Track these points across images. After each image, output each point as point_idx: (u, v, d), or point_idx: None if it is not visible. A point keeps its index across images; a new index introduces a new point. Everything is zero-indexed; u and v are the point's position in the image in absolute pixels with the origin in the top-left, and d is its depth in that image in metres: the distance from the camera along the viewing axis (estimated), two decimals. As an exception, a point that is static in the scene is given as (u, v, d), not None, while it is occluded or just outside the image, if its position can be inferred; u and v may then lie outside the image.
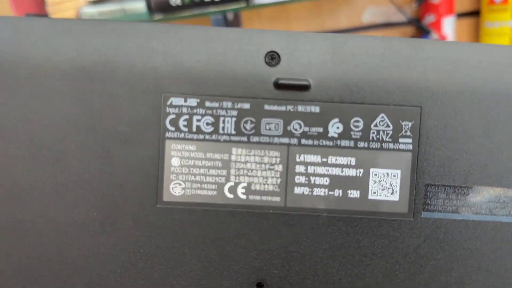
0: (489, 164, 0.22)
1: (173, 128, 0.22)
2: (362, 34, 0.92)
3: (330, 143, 0.22)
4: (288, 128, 0.22)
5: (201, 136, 0.22)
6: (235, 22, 0.85)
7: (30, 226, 0.22)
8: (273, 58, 0.22)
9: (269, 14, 0.88)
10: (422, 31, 0.88)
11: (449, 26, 0.85)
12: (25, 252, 0.22)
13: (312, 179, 0.22)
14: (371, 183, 0.22)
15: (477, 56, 0.22)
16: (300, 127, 0.22)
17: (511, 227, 0.22)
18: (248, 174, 0.22)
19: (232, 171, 0.22)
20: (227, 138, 0.22)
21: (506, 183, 0.22)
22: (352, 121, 0.22)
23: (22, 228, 0.22)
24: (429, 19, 0.84)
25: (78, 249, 0.22)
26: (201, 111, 0.22)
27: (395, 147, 0.22)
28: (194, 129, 0.22)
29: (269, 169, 0.22)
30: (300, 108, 0.22)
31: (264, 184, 0.22)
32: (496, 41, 0.94)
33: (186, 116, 0.22)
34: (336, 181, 0.22)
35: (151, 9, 0.73)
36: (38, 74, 0.21)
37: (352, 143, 0.22)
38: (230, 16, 0.85)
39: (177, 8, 0.75)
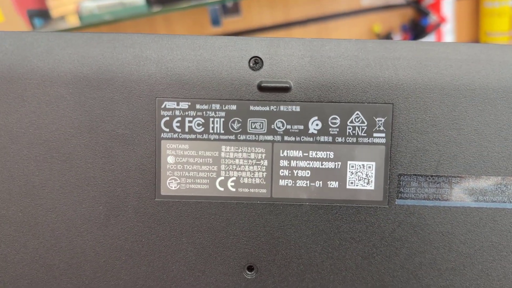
0: (458, 154, 0.24)
1: (167, 129, 0.24)
2: (362, 16, 0.92)
3: (311, 139, 0.24)
4: (272, 126, 0.24)
5: (193, 136, 0.24)
6: (234, 10, 0.87)
7: (43, 220, 0.24)
8: (256, 62, 0.24)
9: (268, 1, 0.89)
10: (421, 13, 0.88)
11: (448, 7, 0.85)
12: (39, 243, 0.24)
13: (295, 172, 0.24)
14: (348, 174, 0.24)
15: (445, 55, 0.24)
16: (283, 125, 0.24)
17: (479, 212, 0.24)
18: (236, 169, 0.24)
19: (222, 167, 0.24)
20: (216, 137, 0.24)
21: (474, 171, 0.24)
22: (330, 118, 0.24)
23: (36, 222, 0.24)
24: (428, 0, 0.84)
25: (86, 239, 0.24)
26: (192, 113, 0.24)
27: (370, 141, 0.24)
28: (186, 129, 0.24)
29: (256, 164, 0.24)
30: (282, 108, 0.24)
31: (252, 178, 0.24)
32: (496, 20, 0.94)
33: (179, 118, 0.24)
34: (316, 174, 0.24)
35: (149, 1, 0.75)
36: (44, 83, 0.24)
37: (330, 139, 0.24)
38: (229, 4, 0.86)
39: (175, 0, 0.76)
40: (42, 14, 0.73)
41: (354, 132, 0.24)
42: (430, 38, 0.93)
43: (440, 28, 0.92)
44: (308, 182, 0.24)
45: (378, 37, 0.92)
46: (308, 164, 0.24)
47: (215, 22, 0.84)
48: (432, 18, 0.91)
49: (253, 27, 0.89)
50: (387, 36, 0.92)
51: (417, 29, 0.91)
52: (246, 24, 0.88)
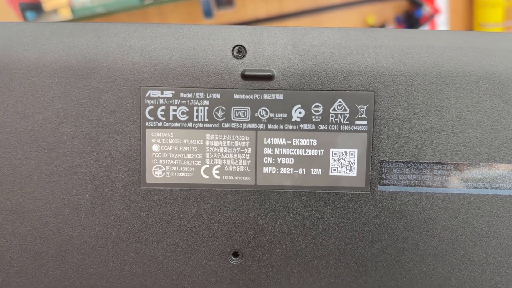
0: (440, 141, 0.24)
1: (152, 118, 0.24)
2: (356, 8, 0.92)
3: (294, 127, 0.24)
4: (256, 114, 0.24)
5: (177, 124, 0.24)
6: (228, 2, 0.86)
7: (31, 208, 0.24)
8: (239, 51, 0.24)
9: (262, -7, 0.88)
10: (415, 4, 0.89)
11: (442, -2, 0.85)
12: (27, 231, 0.25)
13: (279, 159, 0.24)
14: (331, 161, 0.24)
15: (426, 42, 0.24)
16: (266, 113, 0.24)
17: (461, 198, 0.25)
18: (221, 157, 0.24)
19: (207, 155, 0.24)
20: (201, 125, 0.24)
21: (456, 158, 0.24)
22: (312, 106, 0.24)
23: (23, 210, 0.24)
24: (422, -9, 0.84)
25: (73, 227, 0.24)
26: (176, 101, 0.24)
27: (352, 129, 0.24)
28: (171, 118, 0.24)
29: (240, 152, 0.24)
30: (266, 96, 0.24)
31: (236, 166, 0.24)
32: (490, 11, 0.94)
33: (163, 107, 0.24)
34: (300, 161, 0.24)
35: (142, -6, 0.74)
36: (30, 73, 0.24)
37: (313, 126, 0.24)
38: (223, -5, 0.86)
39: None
40: (34, 7, 0.73)
41: (336, 119, 0.24)
42: (424, 29, 0.93)
43: (434, 19, 0.92)
44: (291, 169, 0.24)
45: (372, 28, 0.92)
46: (291, 151, 0.24)
47: (207, 13, 0.84)
48: (426, 10, 0.92)
49: (246, 19, 0.89)
50: (381, 28, 0.92)
51: (411, 20, 0.92)
52: (240, 16, 0.88)
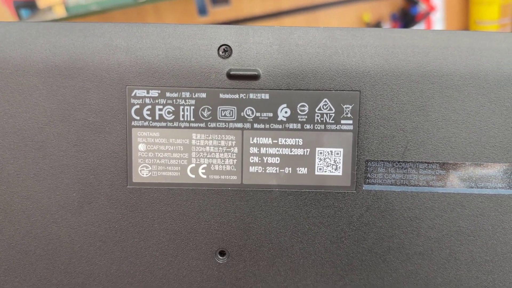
0: (425, 140, 0.24)
1: (138, 117, 0.24)
2: (352, 6, 0.92)
3: (280, 126, 0.24)
4: (242, 114, 0.24)
5: (163, 124, 0.24)
6: (224, -1, 0.86)
7: (18, 207, 0.24)
8: (225, 51, 0.24)
9: (257, -10, 0.88)
10: (410, 2, 0.88)
11: (437, -5, 0.85)
12: (15, 230, 0.25)
13: (265, 159, 0.24)
14: (317, 160, 0.24)
15: (412, 42, 0.24)
16: (252, 113, 0.24)
17: (447, 197, 0.25)
18: (207, 156, 0.25)
19: (193, 154, 0.24)
20: (187, 124, 0.24)
21: (442, 157, 0.24)
22: (298, 106, 0.24)
23: (11, 209, 0.25)
24: (417, -11, 0.84)
25: (60, 225, 0.25)
26: (162, 101, 0.24)
27: (338, 128, 0.24)
28: (157, 117, 0.24)
29: (226, 151, 0.24)
30: (252, 95, 0.24)
31: (222, 165, 0.25)
32: (485, 9, 0.94)
33: (149, 106, 0.24)
34: (286, 160, 0.24)
35: (136, -9, 0.74)
36: (17, 73, 0.24)
37: (299, 126, 0.24)
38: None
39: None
40: (29, 5, 0.73)
41: (322, 119, 0.24)
42: (420, 27, 0.93)
43: (430, 17, 0.92)
44: (277, 168, 0.24)
45: (367, 26, 0.92)
46: (277, 151, 0.24)
47: (202, 11, 0.84)
48: (422, 7, 0.91)
49: (242, 17, 0.88)
50: (377, 25, 0.92)
51: (406, 18, 0.91)
52: (235, 14, 0.88)
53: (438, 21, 0.94)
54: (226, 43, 0.24)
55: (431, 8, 0.92)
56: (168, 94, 0.24)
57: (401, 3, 0.92)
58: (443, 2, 0.93)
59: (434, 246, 0.25)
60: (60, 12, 0.71)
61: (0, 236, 0.25)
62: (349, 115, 0.24)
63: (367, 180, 0.25)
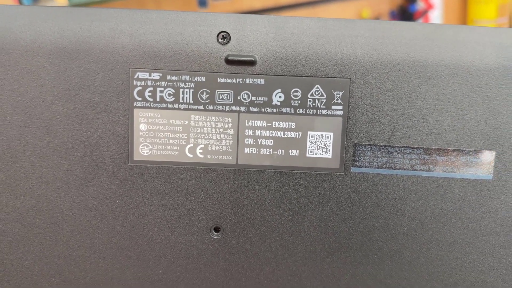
0: (411, 126, 0.26)
1: (140, 98, 0.25)
2: (351, 2, 0.93)
3: (274, 110, 0.26)
4: (238, 97, 0.26)
5: (164, 105, 0.26)
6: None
7: (24, 182, 0.26)
8: (224, 37, 0.25)
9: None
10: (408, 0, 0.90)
11: (435, -7, 0.86)
12: (20, 203, 0.26)
13: (259, 140, 0.26)
14: (308, 143, 0.26)
15: (400, 33, 0.25)
16: (248, 97, 0.26)
17: (430, 181, 0.26)
18: (205, 137, 0.26)
19: (191, 135, 0.26)
20: (186, 106, 0.26)
21: (426, 142, 0.26)
22: (292, 91, 0.26)
23: (17, 184, 0.26)
24: (416, -14, 0.85)
25: (64, 200, 0.26)
26: (164, 83, 0.25)
27: (328, 113, 0.26)
28: (158, 99, 0.26)
29: (223, 132, 0.26)
30: (248, 80, 0.25)
31: (219, 146, 0.26)
32: (483, 8, 0.95)
33: (151, 88, 0.25)
34: (279, 142, 0.26)
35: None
36: (26, 54, 0.25)
37: (292, 110, 0.26)
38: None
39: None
40: (32, -7, 0.74)
41: (314, 104, 0.26)
42: (417, 24, 0.94)
43: (428, 14, 0.93)
44: (271, 150, 0.26)
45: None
46: (271, 133, 0.26)
47: (202, 3, 0.85)
48: (420, 5, 0.93)
49: (241, 11, 0.90)
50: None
51: (405, 15, 0.93)
52: (235, 7, 0.89)
53: (436, 19, 0.95)
54: (225, 30, 0.25)
55: (430, 6, 0.93)
56: (169, 77, 0.25)
57: (400, 0, 0.93)
58: (442, 0, 0.94)
59: (417, 227, 0.26)
60: (61, 0, 0.72)
61: (6, 209, 0.26)
62: (339, 101, 0.26)
63: (355, 163, 0.26)
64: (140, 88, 0.25)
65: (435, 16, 0.96)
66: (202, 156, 0.26)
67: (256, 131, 0.26)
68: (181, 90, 0.25)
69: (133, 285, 0.27)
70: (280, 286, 0.27)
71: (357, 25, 0.25)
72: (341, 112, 0.26)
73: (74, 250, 0.26)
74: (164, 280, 0.27)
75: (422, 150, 0.26)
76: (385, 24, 0.25)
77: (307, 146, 0.26)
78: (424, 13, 0.93)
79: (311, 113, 0.26)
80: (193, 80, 0.25)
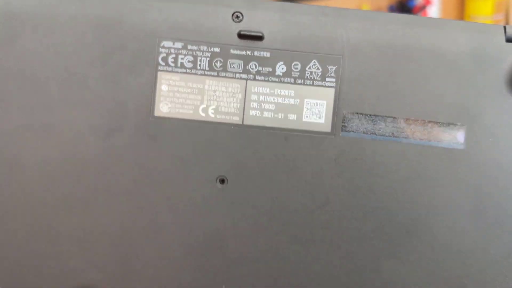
0: (392, 99, 0.30)
1: (163, 63, 0.30)
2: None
3: (277, 80, 0.30)
4: (247, 67, 0.30)
5: (183, 70, 0.30)
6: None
7: (57, 129, 0.29)
8: (238, 16, 0.30)
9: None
10: (407, -5, 0.93)
11: (434, -10, 0.90)
12: (51, 148, 0.30)
13: (263, 105, 0.30)
14: (305, 110, 0.30)
15: (387, 21, 0.30)
16: (256, 67, 0.30)
17: (408, 147, 0.30)
18: (216, 100, 0.30)
19: (205, 97, 0.30)
20: (202, 72, 0.30)
21: (405, 113, 0.30)
22: (292, 64, 0.30)
23: (50, 131, 0.30)
24: (415, -18, 0.88)
25: (89, 147, 0.30)
26: (184, 52, 0.30)
27: (323, 84, 0.30)
28: (179, 64, 0.30)
29: (232, 96, 0.30)
30: (256, 53, 0.30)
31: (228, 107, 0.30)
32: (480, 4, 0.99)
33: (174, 55, 0.30)
34: (279, 107, 0.30)
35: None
36: (71, 22, 0.29)
37: (292, 80, 0.30)
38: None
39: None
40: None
41: (311, 76, 0.30)
42: (416, 19, 0.97)
43: (426, 10, 0.97)
44: (272, 113, 0.30)
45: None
46: (273, 99, 0.30)
47: None
48: (418, 0, 0.96)
49: None
50: (375, 15, 0.97)
51: (403, 10, 0.96)
52: None
53: (433, 14, 0.98)
54: (239, 10, 0.30)
55: (428, 2, 0.97)
56: (189, 47, 0.30)
57: (399, -5, 0.97)
58: (439, -3, 0.98)
59: (398, 187, 0.30)
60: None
61: (35, 157, 0.30)
62: (332, 74, 0.30)
63: (344, 128, 0.30)
64: (164, 55, 0.30)
65: (433, 12, 0.99)
66: (213, 116, 0.30)
67: (261, 96, 0.30)
68: (199, 58, 0.30)
69: (143, 222, 0.30)
70: (274, 233, 0.31)
71: (350, 13, 0.30)
72: (334, 84, 0.30)
73: (96, 194, 0.30)
74: (171, 219, 0.30)
75: (402, 120, 0.30)
76: (375, 14, 0.30)
77: (304, 112, 0.30)
78: (422, 8, 0.96)
79: (308, 83, 0.30)
80: (209, 50, 0.30)
